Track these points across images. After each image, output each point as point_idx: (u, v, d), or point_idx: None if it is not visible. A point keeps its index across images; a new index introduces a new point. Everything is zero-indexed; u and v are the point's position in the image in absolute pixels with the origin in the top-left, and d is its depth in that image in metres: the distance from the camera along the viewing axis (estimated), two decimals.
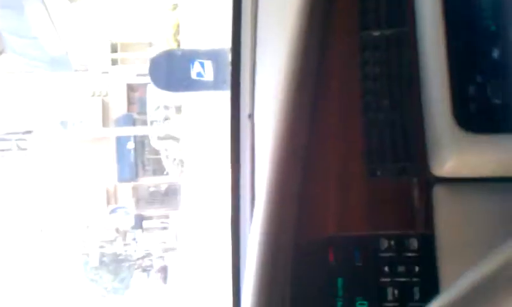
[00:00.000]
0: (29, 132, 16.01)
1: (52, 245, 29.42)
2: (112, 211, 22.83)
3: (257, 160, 0.84)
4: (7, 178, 20.98)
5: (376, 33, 0.78)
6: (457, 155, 0.69)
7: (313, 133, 0.76)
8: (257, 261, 0.65)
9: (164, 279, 35.83)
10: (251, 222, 0.70)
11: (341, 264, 0.75)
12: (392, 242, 0.75)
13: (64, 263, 37.15)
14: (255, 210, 0.69)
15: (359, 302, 0.73)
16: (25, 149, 16.24)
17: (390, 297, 0.74)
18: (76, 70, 15.38)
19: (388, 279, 0.74)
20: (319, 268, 0.75)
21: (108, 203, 22.53)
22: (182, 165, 20.49)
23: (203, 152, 16.51)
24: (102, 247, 25.86)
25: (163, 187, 23.17)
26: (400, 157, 0.77)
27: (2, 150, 16.63)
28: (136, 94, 23.19)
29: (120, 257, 32.54)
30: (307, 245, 0.74)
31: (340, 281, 0.74)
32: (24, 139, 15.97)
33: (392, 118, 0.77)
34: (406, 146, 0.77)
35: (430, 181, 0.75)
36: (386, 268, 0.75)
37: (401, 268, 0.75)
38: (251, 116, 0.90)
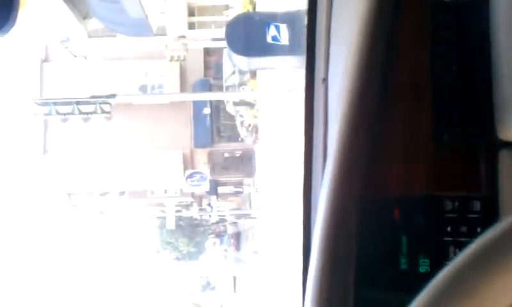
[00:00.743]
0: (112, 95, 16.59)
1: (130, 208, 30.84)
2: (189, 176, 23.43)
3: (330, 123, 0.86)
4: (90, 139, 22.07)
5: None
6: None
7: (382, 94, 0.78)
8: (326, 215, 0.67)
9: (237, 245, 36.74)
10: (322, 183, 0.74)
11: (406, 223, 0.77)
12: (456, 203, 0.77)
13: (141, 226, 38.92)
14: (326, 170, 0.72)
15: (422, 259, 0.76)
16: (108, 112, 16.86)
17: (451, 255, 0.76)
18: (155, 35, 15.72)
19: (450, 239, 0.77)
20: (385, 226, 0.77)
21: (185, 168, 23.16)
22: (257, 132, 20.59)
23: (278, 118, 16.49)
24: (178, 211, 26.68)
25: (238, 153, 23.51)
26: (468, 121, 0.78)
27: (87, 113, 17.37)
28: (213, 59, 23.51)
29: (195, 222, 33.63)
30: (374, 203, 0.77)
31: (404, 239, 0.77)
32: (108, 103, 16.58)
33: (461, 82, 0.78)
34: (473, 110, 0.78)
35: (496, 146, 0.76)
36: (448, 228, 0.77)
37: (463, 229, 0.77)
38: (325, 80, 0.92)
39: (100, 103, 17.28)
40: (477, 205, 0.76)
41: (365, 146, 0.73)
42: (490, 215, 0.75)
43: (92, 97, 17.50)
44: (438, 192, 0.77)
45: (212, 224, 36.61)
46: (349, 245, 0.67)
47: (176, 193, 26.10)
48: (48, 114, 17.93)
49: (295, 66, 13.21)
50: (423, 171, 0.78)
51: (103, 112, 17.51)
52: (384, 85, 0.77)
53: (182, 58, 18.81)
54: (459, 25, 0.77)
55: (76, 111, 17.49)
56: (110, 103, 17.46)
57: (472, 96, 0.77)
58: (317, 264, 0.65)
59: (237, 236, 37.42)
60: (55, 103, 17.69)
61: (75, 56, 20.82)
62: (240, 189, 22.83)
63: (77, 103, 17.43)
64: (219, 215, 28.99)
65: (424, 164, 0.78)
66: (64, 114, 17.81)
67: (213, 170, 23.55)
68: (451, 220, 0.77)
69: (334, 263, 0.65)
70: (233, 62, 14.44)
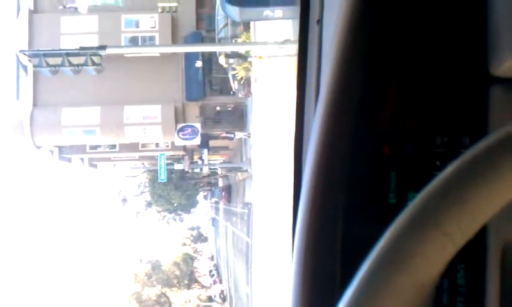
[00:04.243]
0: (103, 47, 16.32)
1: (122, 161, 30.84)
2: (180, 129, 23.36)
3: (323, 64, 0.86)
4: (80, 91, 21.86)
5: None
6: None
7: (375, 30, 0.76)
8: (316, 147, 0.68)
9: (228, 197, 37.05)
10: (313, 122, 0.74)
11: (395, 158, 0.77)
12: (445, 139, 0.77)
13: (131, 179, 39.01)
14: (317, 107, 0.72)
15: (410, 193, 0.76)
16: (99, 64, 16.63)
17: None
18: None
19: (439, 173, 0.77)
20: (373, 161, 0.76)
21: (176, 121, 23.06)
22: (249, 85, 20.46)
23: (271, 71, 16.39)
24: (169, 164, 26.73)
25: (230, 107, 23.40)
26: (459, 56, 0.76)
27: (77, 65, 17.11)
28: (205, 11, 23.07)
29: (187, 175, 33.77)
30: (364, 139, 0.76)
31: (393, 174, 0.76)
32: (98, 54, 16.32)
33: (453, 17, 0.76)
34: (465, 45, 0.76)
35: (487, 81, 0.74)
36: (438, 163, 0.77)
37: None
38: (319, 21, 0.90)
39: (90, 55, 16.98)
40: (467, 140, 0.77)
41: (358, 83, 0.72)
42: None
43: (82, 48, 17.19)
44: (429, 127, 0.77)
45: (204, 177, 36.78)
46: (338, 181, 0.69)
47: (167, 146, 26.09)
48: (38, 66, 17.65)
49: (288, 17, 13.06)
50: (414, 105, 0.78)
51: (93, 64, 17.22)
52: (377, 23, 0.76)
53: (173, 10, 18.41)
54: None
55: (66, 63, 17.21)
56: (101, 55, 17.19)
57: (465, 28, 0.76)
58: (306, 196, 0.67)
59: (228, 189, 37.71)
60: (45, 55, 17.40)
61: (64, 7, 20.36)
62: (231, 135, 22.73)
63: (67, 55, 17.14)
64: (210, 169, 29.05)
65: (415, 98, 0.78)
66: (54, 66, 17.55)
67: (205, 123, 23.47)
68: (441, 155, 0.77)
69: (323, 195, 0.67)
70: (226, 13, 14.22)
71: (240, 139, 24.02)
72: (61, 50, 17.34)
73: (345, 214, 0.71)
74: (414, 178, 0.77)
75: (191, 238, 49.99)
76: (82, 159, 28.23)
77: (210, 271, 43.83)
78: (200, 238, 51.66)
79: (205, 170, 28.84)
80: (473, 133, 0.77)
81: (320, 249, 0.66)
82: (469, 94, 0.77)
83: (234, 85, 21.02)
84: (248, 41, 17.47)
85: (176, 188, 33.79)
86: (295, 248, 0.67)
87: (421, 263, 0.43)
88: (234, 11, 13.50)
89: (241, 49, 16.32)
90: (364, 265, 0.44)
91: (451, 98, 0.78)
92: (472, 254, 0.69)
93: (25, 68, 21.93)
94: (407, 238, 0.44)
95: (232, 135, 22.30)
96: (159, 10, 18.50)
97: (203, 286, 44.16)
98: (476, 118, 0.76)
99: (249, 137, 21.81)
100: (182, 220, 41.64)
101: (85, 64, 17.08)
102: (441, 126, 0.77)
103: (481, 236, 0.67)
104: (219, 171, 32.39)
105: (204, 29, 22.25)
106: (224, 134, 22.65)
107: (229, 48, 16.32)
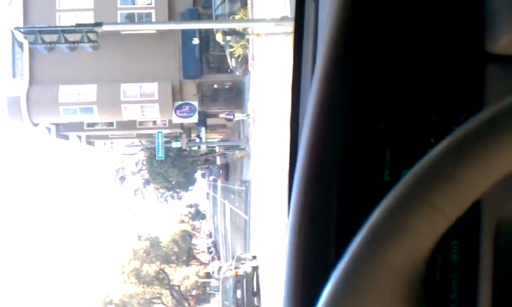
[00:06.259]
0: (99, 24, 16.16)
1: (119, 139, 30.80)
2: (178, 107, 23.27)
3: (319, 40, 0.85)
4: (77, 68, 21.72)
5: None
6: None
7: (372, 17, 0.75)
8: (311, 120, 0.68)
9: (226, 175, 37.14)
10: (309, 95, 0.74)
11: (390, 135, 0.77)
12: (441, 117, 0.77)
13: (129, 156, 39.06)
14: (312, 85, 0.72)
15: (404, 170, 0.77)
16: (95, 41, 16.48)
17: None
18: None
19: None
20: (369, 138, 0.77)
21: (174, 99, 22.97)
22: (246, 63, 20.34)
23: (268, 49, 16.28)
24: (167, 142, 26.71)
25: (227, 85, 23.31)
26: (455, 33, 0.76)
27: (73, 42, 16.94)
28: None
29: (185, 153, 33.79)
30: (359, 115, 0.76)
31: (388, 151, 0.77)
32: (94, 31, 16.16)
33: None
34: (461, 22, 0.75)
35: (483, 59, 0.73)
36: (432, 140, 0.77)
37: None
38: None
39: (86, 32, 16.81)
40: (462, 118, 0.77)
41: (352, 61, 0.72)
42: None
43: (78, 25, 17.01)
44: (425, 105, 0.77)
45: (202, 155, 36.80)
46: (333, 157, 0.69)
47: (165, 124, 26.03)
48: (34, 43, 17.48)
49: None
50: (409, 85, 0.78)
51: (89, 41, 17.05)
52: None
53: None
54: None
55: (62, 40, 17.04)
56: (97, 32, 17.02)
57: (462, 7, 0.75)
58: (301, 173, 0.66)
59: (226, 167, 37.78)
60: (40, 32, 17.22)
61: None
62: (231, 116, 22.66)
63: (63, 31, 16.97)
64: (208, 147, 29.04)
65: (410, 78, 0.77)
66: (50, 43, 17.39)
67: (202, 101, 23.39)
68: (436, 132, 0.77)
69: (318, 172, 0.67)
70: None
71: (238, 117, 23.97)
72: (56, 27, 17.17)
73: (339, 191, 0.70)
74: (409, 155, 0.77)
75: (189, 215, 50.23)
76: (79, 137, 28.18)
77: (209, 248, 44.13)
78: (198, 215, 51.91)
79: (203, 148, 28.85)
80: (468, 110, 0.77)
81: (315, 224, 0.66)
82: (465, 72, 0.76)
83: (231, 63, 20.89)
84: (245, 18, 17.33)
85: (174, 166, 33.80)
86: (289, 223, 0.67)
87: (412, 238, 0.43)
88: None
89: (238, 26, 16.18)
90: (355, 240, 0.44)
91: (447, 75, 0.77)
92: (466, 230, 0.70)
93: (20, 45, 21.76)
94: (398, 213, 0.44)
95: (232, 117, 22.21)
96: None
97: (201, 263, 44.50)
98: (472, 96, 0.76)
99: (248, 117, 21.75)
100: (180, 198, 41.77)
101: (81, 41, 16.91)
102: (437, 104, 0.77)
103: (475, 212, 0.67)
104: (216, 149, 32.40)
105: (201, 6, 22.07)
106: (224, 115, 22.53)
107: (226, 26, 16.19)
